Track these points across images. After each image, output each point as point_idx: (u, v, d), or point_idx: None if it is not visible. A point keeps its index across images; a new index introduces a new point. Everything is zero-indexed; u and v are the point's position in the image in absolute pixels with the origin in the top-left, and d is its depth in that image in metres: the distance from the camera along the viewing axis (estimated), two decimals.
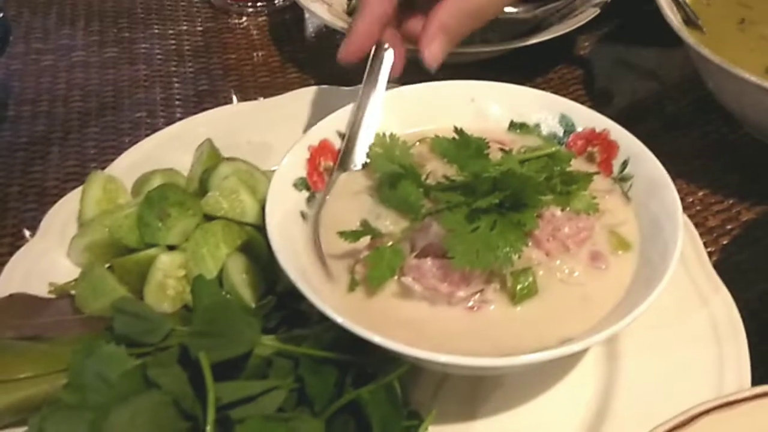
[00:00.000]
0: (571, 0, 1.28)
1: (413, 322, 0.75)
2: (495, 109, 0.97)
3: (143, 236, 0.87)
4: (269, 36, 1.39)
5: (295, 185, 0.86)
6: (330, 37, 1.37)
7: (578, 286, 0.79)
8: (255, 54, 1.35)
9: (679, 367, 0.80)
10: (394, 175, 0.82)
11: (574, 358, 0.83)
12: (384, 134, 0.89)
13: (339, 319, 0.69)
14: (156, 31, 1.40)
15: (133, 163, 0.99)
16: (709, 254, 0.98)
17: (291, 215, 0.84)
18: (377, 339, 0.69)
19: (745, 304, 0.87)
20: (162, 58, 1.33)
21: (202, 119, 1.06)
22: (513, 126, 0.96)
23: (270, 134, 1.04)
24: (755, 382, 0.78)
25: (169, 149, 1.01)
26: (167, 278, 0.85)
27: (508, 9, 1.25)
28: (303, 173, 0.88)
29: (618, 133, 0.90)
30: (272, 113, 1.08)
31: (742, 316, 0.85)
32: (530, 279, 0.76)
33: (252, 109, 1.10)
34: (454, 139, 0.88)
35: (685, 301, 0.85)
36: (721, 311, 0.84)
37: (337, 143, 0.92)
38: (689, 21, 1.14)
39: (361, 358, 0.75)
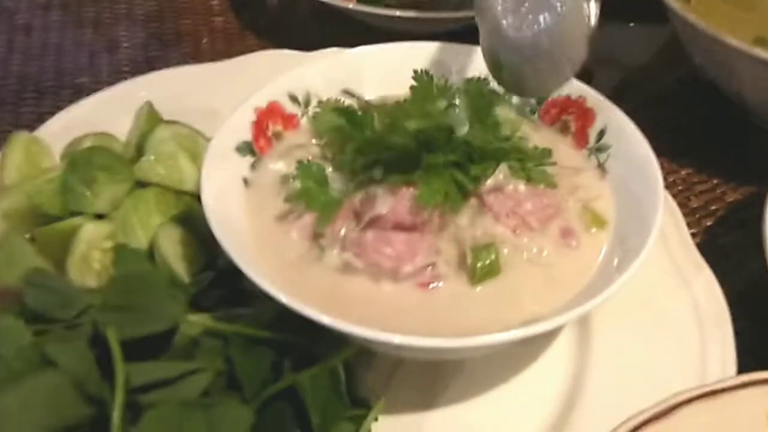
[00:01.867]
0: None
1: (360, 301, 0.67)
2: (464, 74, 0.88)
3: (67, 203, 0.78)
4: (229, 1, 1.30)
5: (239, 149, 0.78)
6: (292, 3, 1.29)
7: (546, 265, 0.71)
8: (213, 20, 1.26)
9: (657, 351, 0.73)
10: (340, 129, 0.74)
11: (542, 343, 0.75)
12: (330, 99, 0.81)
13: (279, 296, 0.61)
14: None
15: (64, 127, 0.90)
16: (692, 236, 0.91)
17: (232, 181, 0.76)
18: (324, 318, 0.61)
19: (731, 288, 0.81)
20: (110, 22, 1.24)
21: (144, 82, 0.98)
22: None
23: (219, 99, 0.95)
24: (741, 370, 0.71)
25: (106, 113, 0.93)
26: (92, 250, 0.76)
27: None
28: (248, 137, 0.80)
29: (594, 100, 0.83)
30: (222, 77, 1.00)
31: (728, 301, 0.78)
32: (492, 256, 0.68)
33: (200, 72, 1.01)
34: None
35: (664, 282, 0.78)
36: (704, 293, 0.77)
37: (289, 107, 0.84)
38: None
39: (304, 340, 0.67)
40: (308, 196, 0.69)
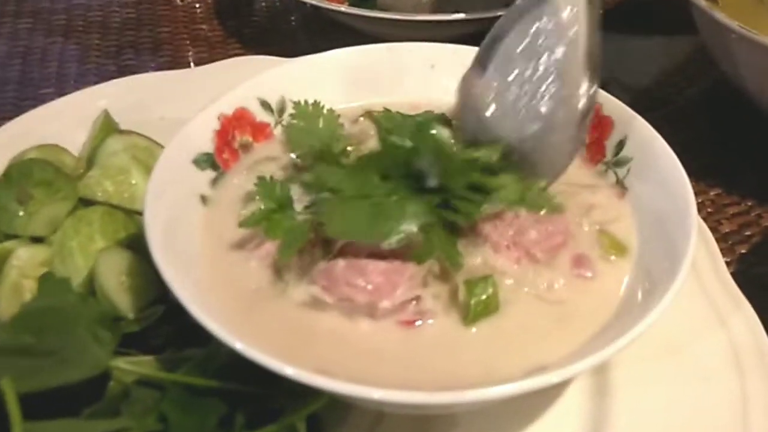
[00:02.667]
0: None
1: (330, 344, 0.55)
2: (459, 78, 0.78)
3: None
4: (213, 9, 1.21)
5: (196, 162, 0.68)
6: (281, 11, 1.19)
7: (557, 301, 0.59)
8: (194, 27, 1.16)
9: (689, 406, 0.61)
10: (311, 155, 0.63)
11: (552, 394, 0.63)
12: (306, 103, 0.70)
13: (233, 342, 0.50)
14: (81, 2, 1.21)
15: (10, 139, 0.80)
16: (725, 265, 0.79)
17: (186, 199, 0.65)
18: (287, 370, 0.49)
19: None
20: (82, 30, 1.14)
21: (104, 90, 0.88)
22: None
23: (189, 109, 0.84)
24: None
25: (59, 124, 0.83)
26: (24, 278, 0.65)
27: None
28: (209, 148, 0.69)
29: (612, 106, 0.72)
30: (195, 84, 0.90)
31: None
32: (490, 290, 0.57)
33: (169, 80, 0.91)
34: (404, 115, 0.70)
35: (697, 321, 0.66)
36: (744, 334, 0.65)
37: (260, 114, 0.73)
38: None
39: (262, 389, 0.56)
40: (268, 220, 0.58)
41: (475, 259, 0.60)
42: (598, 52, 0.64)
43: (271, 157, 0.71)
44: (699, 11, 0.87)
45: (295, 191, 0.62)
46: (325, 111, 0.70)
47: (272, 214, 0.59)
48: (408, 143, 0.60)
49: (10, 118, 0.96)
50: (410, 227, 0.55)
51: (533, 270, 0.61)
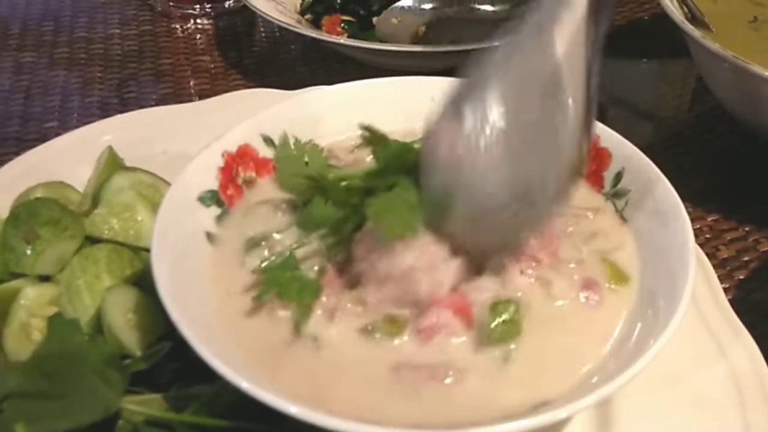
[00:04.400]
0: None
1: (335, 380, 0.56)
2: None
3: (7, 264, 0.68)
4: (214, 40, 1.22)
5: (201, 200, 0.69)
6: (282, 42, 1.20)
7: (560, 326, 0.60)
8: (195, 59, 1.17)
9: None
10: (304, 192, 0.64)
11: (555, 427, 0.63)
12: (287, 139, 0.72)
13: (241, 383, 0.51)
14: (83, 34, 1.22)
15: (16, 177, 0.80)
16: (723, 291, 0.79)
17: (193, 237, 0.66)
18: (292, 409, 0.50)
19: None
20: (85, 63, 1.15)
21: (108, 125, 0.88)
22: None
23: (192, 143, 0.84)
24: None
25: (63, 160, 0.83)
26: (32, 318, 0.66)
27: (482, 7, 1.09)
28: (213, 185, 0.70)
29: (610, 139, 0.73)
30: (198, 118, 0.91)
31: None
32: (511, 312, 0.57)
33: (171, 114, 0.92)
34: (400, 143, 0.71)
35: (696, 351, 0.67)
36: (744, 363, 0.65)
37: (262, 150, 0.74)
38: (694, 19, 0.98)
39: (269, 427, 0.56)
40: (278, 286, 0.59)
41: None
42: (595, 96, 0.58)
43: (265, 200, 0.71)
44: (692, 41, 0.88)
45: (295, 233, 0.63)
46: (308, 147, 0.71)
47: (280, 281, 0.59)
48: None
49: (15, 152, 0.97)
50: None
51: (544, 286, 0.62)
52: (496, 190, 0.55)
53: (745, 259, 0.87)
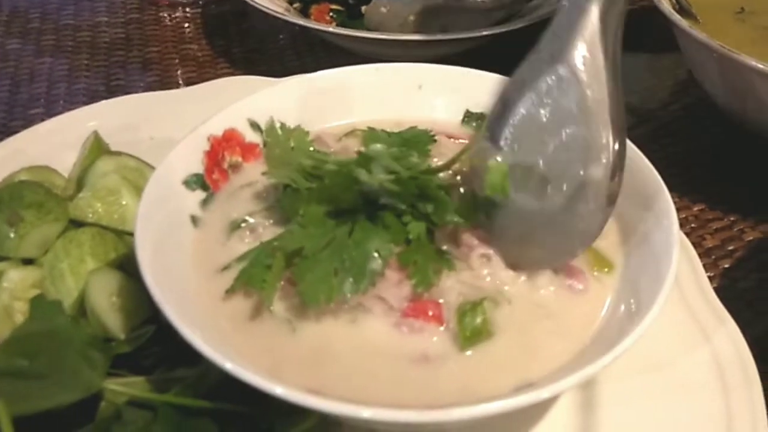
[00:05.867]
0: None
1: (320, 362, 0.56)
2: (447, 98, 0.79)
3: None
4: (202, 29, 1.22)
5: (186, 183, 0.68)
6: (270, 31, 1.20)
7: (545, 315, 0.60)
8: (183, 47, 1.17)
9: (674, 421, 0.62)
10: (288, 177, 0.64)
11: (540, 409, 0.64)
12: (274, 124, 0.71)
13: (224, 363, 0.51)
14: (69, 22, 1.21)
15: (0, 162, 0.80)
16: (709, 279, 0.80)
17: (177, 220, 0.66)
18: (278, 390, 0.50)
19: (755, 341, 0.70)
20: (71, 51, 1.15)
21: (93, 111, 0.88)
22: (469, 117, 0.78)
23: (179, 129, 0.84)
24: None
25: (49, 145, 0.83)
26: (15, 300, 0.66)
27: None
28: (199, 169, 0.70)
29: None
30: (184, 105, 0.90)
31: (752, 356, 0.67)
32: (478, 320, 0.58)
33: (158, 100, 0.91)
34: (389, 132, 0.71)
35: (681, 337, 0.67)
36: (728, 349, 0.66)
37: (249, 134, 0.74)
38: (682, 10, 0.98)
39: (253, 409, 0.56)
40: (253, 281, 0.59)
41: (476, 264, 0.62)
42: (621, 108, 0.60)
43: (250, 183, 0.71)
44: (680, 31, 0.89)
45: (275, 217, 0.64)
46: (295, 132, 0.71)
47: (254, 275, 0.59)
48: (354, 168, 0.60)
49: (0, 139, 0.97)
50: (376, 266, 0.57)
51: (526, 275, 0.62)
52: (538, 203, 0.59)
53: (730, 248, 0.87)
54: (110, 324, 0.63)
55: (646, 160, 0.68)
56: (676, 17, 0.89)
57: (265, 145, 0.73)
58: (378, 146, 0.64)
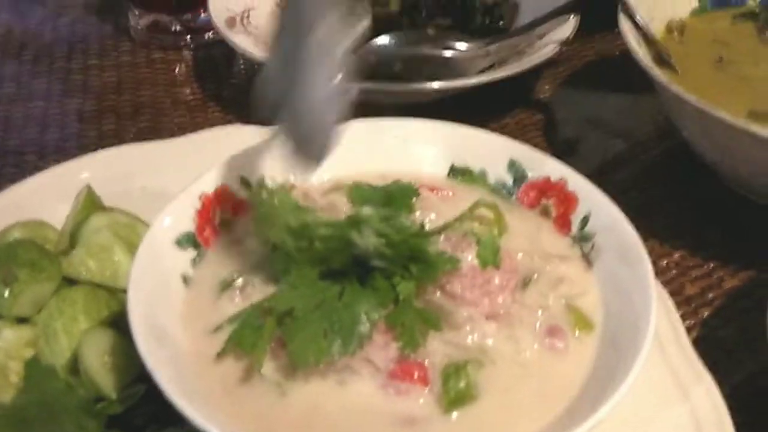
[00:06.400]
0: (528, 36, 1.14)
1: (316, 419, 0.58)
2: (432, 152, 0.81)
3: None
4: (193, 72, 1.23)
5: (179, 242, 0.70)
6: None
7: (527, 373, 0.62)
8: (174, 91, 1.19)
9: None
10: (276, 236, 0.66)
11: None
12: (260, 183, 0.74)
13: (211, 429, 0.52)
14: (61, 65, 1.23)
15: None
16: (689, 329, 0.83)
17: (168, 281, 0.67)
18: None
19: (732, 391, 0.73)
20: (62, 95, 1.16)
21: (86, 162, 0.89)
22: (454, 172, 0.81)
23: (170, 179, 0.86)
24: None
25: (41, 198, 0.84)
26: (10, 360, 0.67)
27: (457, 45, 1.11)
28: (190, 227, 0.71)
29: (577, 182, 0.75)
30: (175, 155, 0.92)
31: (729, 406, 0.70)
32: (462, 384, 0.60)
33: (150, 150, 0.93)
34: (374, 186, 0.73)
35: (660, 393, 0.69)
36: (705, 407, 0.67)
37: (239, 191, 0.76)
38: (661, 60, 1.01)
39: None
40: (243, 344, 0.61)
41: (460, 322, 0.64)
42: None
43: (246, 237, 0.73)
44: (658, 84, 0.91)
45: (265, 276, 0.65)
46: (278, 190, 0.72)
47: (244, 338, 0.61)
48: (346, 231, 0.62)
49: None
50: (364, 329, 0.59)
51: (509, 332, 0.64)
52: None
53: (710, 296, 0.89)
54: (103, 384, 0.64)
55: (624, 217, 0.70)
56: (655, 71, 0.91)
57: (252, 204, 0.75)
58: (368, 209, 0.66)
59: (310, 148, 0.65)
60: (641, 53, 0.95)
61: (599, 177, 0.76)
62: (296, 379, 0.60)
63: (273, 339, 0.61)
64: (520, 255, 0.71)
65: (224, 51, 1.27)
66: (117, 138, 1.07)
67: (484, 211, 0.72)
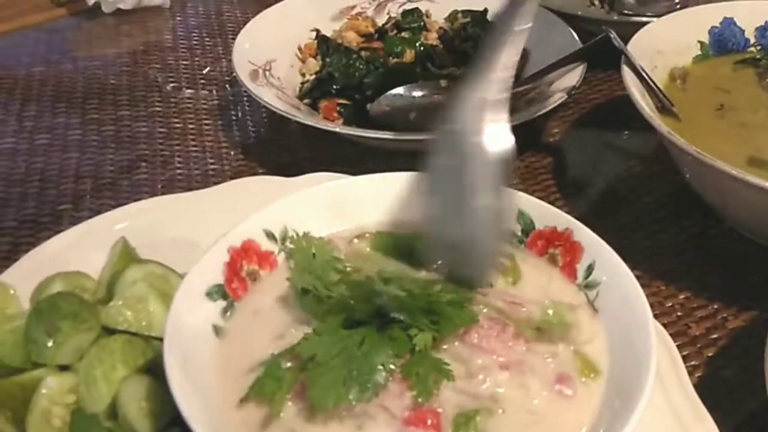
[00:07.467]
0: (537, 84, 1.19)
1: None
2: None
3: (30, 354, 0.74)
4: (220, 122, 1.29)
5: (209, 294, 0.75)
6: (283, 125, 1.27)
7: (535, 419, 0.66)
8: (202, 140, 1.25)
9: None
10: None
11: None
12: (297, 235, 0.79)
13: None
14: (94, 116, 1.30)
15: (34, 267, 0.87)
16: (693, 369, 0.87)
17: (200, 331, 0.72)
18: None
19: (734, 430, 0.75)
20: (97, 145, 1.23)
21: (120, 214, 0.95)
22: None
23: (199, 230, 0.92)
24: None
25: (79, 250, 0.90)
26: (53, 405, 0.72)
27: None
28: (220, 279, 0.76)
29: (581, 233, 0.79)
30: (203, 206, 0.98)
31: None
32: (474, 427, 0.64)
33: (180, 201, 0.99)
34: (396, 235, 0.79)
35: None
36: None
37: (265, 244, 0.81)
38: (663, 108, 1.05)
39: None
40: (264, 392, 0.65)
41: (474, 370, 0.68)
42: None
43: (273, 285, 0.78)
44: (660, 134, 0.95)
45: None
46: (315, 241, 0.77)
47: (266, 386, 0.66)
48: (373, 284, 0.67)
49: (30, 235, 1.05)
50: (380, 378, 0.64)
51: (521, 380, 0.68)
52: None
53: (714, 336, 0.92)
54: (140, 428, 0.69)
55: (625, 266, 0.74)
56: (656, 121, 0.96)
57: (285, 251, 0.80)
58: (394, 266, 0.71)
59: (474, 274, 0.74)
60: (643, 102, 1.00)
61: (606, 217, 0.80)
62: (316, 423, 0.64)
63: (296, 384, 0.66)
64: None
65: (250, 101, 1.33)
66: (148, 187, 1.14)
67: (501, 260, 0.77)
